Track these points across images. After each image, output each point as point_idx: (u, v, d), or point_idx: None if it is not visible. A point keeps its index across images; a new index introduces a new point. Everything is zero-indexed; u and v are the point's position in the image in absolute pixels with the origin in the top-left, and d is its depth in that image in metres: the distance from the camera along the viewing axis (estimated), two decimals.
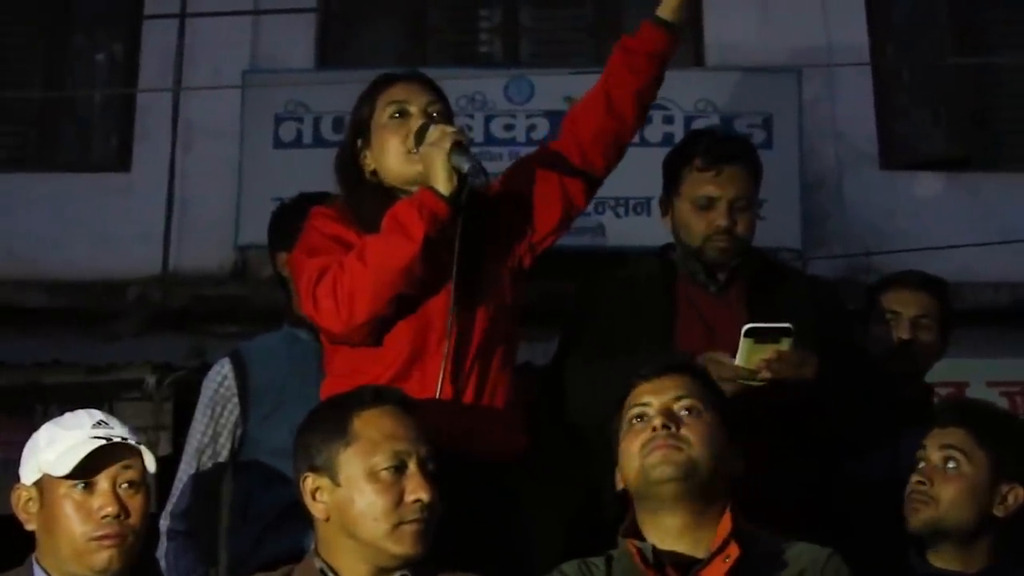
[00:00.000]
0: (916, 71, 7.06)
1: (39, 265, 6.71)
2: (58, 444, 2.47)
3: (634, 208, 6.40)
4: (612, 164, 2.97)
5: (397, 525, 2.31)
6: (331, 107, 6.51)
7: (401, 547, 2.32)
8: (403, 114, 2.84)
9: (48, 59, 7.16)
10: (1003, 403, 5.99)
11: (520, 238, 2.91)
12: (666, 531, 2.43)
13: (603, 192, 3.13)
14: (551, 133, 6.20)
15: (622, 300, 3.18)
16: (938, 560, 2.71)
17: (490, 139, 6.42)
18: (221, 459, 3.26)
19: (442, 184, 2.68)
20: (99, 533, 2.43)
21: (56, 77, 7.12)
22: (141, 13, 7.08)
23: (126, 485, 2.47)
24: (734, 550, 2.36)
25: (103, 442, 2.46)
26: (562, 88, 6.27)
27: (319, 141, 6.58)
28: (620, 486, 2.52)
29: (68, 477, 2.44)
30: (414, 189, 2.76)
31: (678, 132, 6.00)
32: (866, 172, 6.91)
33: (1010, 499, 2.69)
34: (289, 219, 3.39)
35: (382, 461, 2.34)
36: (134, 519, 2.47)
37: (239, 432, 3.25)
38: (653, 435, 2.42)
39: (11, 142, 7.19)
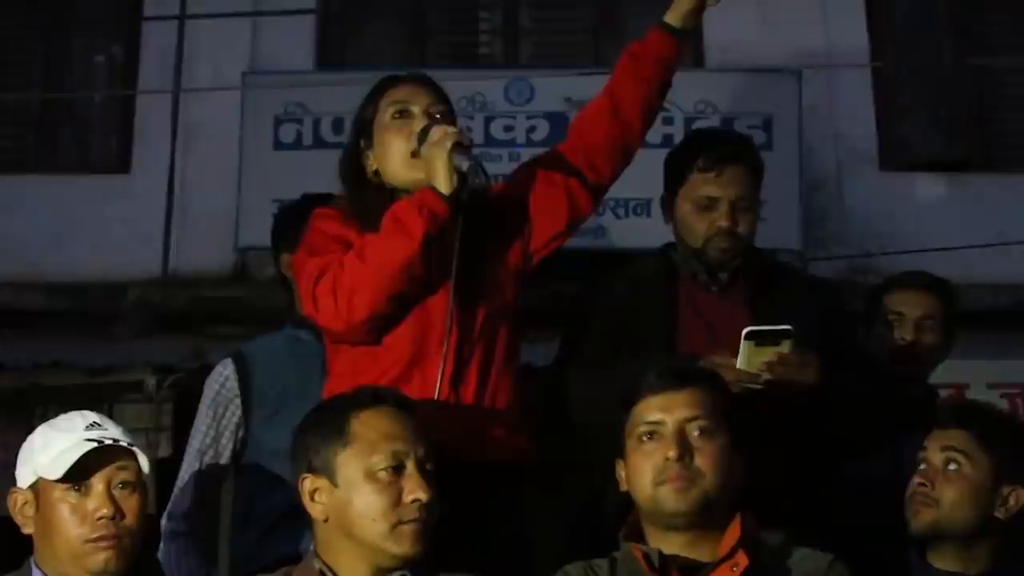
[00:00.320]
0: (916, 72, 7.05)
1: (39, 267, 6.71)
2: (52, 448, 2.48)
3: (634, 209, 6.40)
4: (619, 170, 2.97)
5: (395, 525, 2.31)
6: (331, 108, 6.51)
7: (400, 547, 2.32)
8: (405, 114, 2.84)
9: (48, 61, 7.16)
10: (1003, 405, 5.99)
11: (524, 241, 2.91)
12: (671, 541, 2.44)
13: None
14: (551, 134, 6.20)
15: (623, 300, 3.17)
16: (939, 561, 2.70)
17: (490, 140, 6.41)
18: (223, 460, 3.25)
19: (443, 183, 2.69)
20: (95, 535, 2.43)
21: (55, 79, 7.11)
22: (140, 14, 7.08)
23: (121, 486, 2.47)
24: (743, 559, 2.36)
25: (95, 444, 2.46)
26: (562, 89, 6.28)
27: (319, 142, 6.58)
28: (624, 487, 2.52)
29: (62, 480, 2.44)
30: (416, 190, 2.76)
31: (678, 133, 5.98)
32: (866, 173, 6.91)
33: (1011, 501, 2.68)
34: (292, 220, 3.39)
35: (380, 461, 2.34)
36: (130, 520, 2.47)
37: (241, 433, 3.25)
38: (666, 465, 2.41)
39: (11, 144, 7.19)
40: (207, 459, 3.26)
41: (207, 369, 3.46)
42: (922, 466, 2.72)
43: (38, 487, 2.48)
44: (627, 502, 2.55)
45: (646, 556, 2.39)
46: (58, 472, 2.44)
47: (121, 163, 7.02)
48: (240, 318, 6.14)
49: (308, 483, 2.38)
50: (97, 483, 2.46)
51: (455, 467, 2.49)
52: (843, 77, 6.83)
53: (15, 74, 7.24)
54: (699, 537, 2.43)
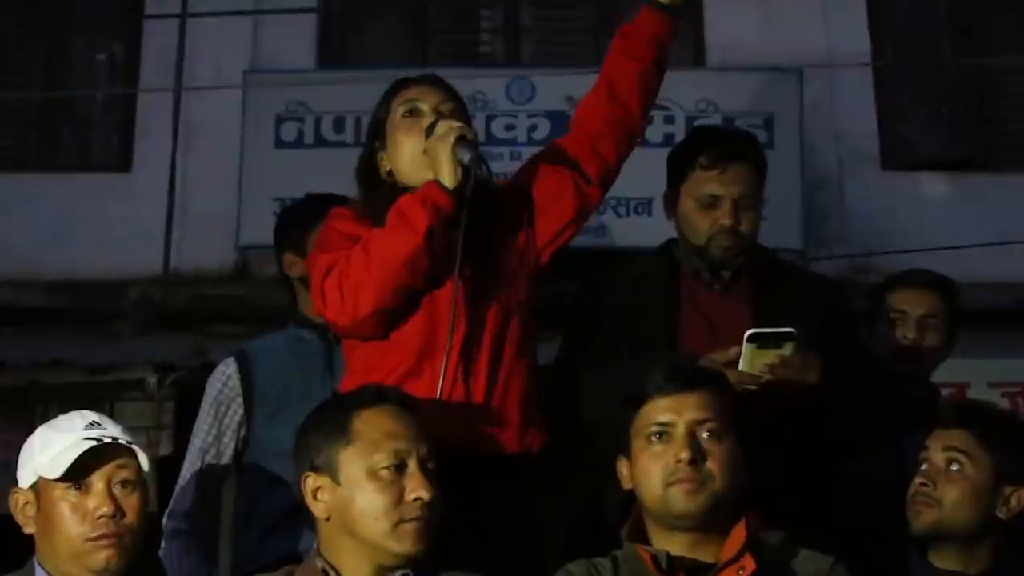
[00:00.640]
0: (917, 72, 7.06)
1: (40, 265, 6.72)
2: (52, 447, 2.48)
3: (635, 208, 6.40)
4: (623, 154, 2.97)
5: (397, 523, 2.31)
6: (332, 107, 6.52)
7: (402, 545, 2.31)
8: (415, 113, 2.86)
9: (49, 59, 7.16)
10: (1004, 404, 6.00)
11: (534, 234, 2.91)
12: (676, 542, 2.44)
13: None
14: (552, 133, 6.20)
15: (625, 298, 3.16)
16: (939, 561, 2.70)
17: (491, 139, 6.41)
18: (225, 459, 3.25)
19: (446, 176, 2.70)
20: (96, 533, 2.43)
21: (57, 77, 7.12)
22: (142, 13, 7.08)
23: (121, 484, 2.47)
24: (749, 563, 2.37)
25: (95, 443, 2.46)
26: (563, 88, 6.28)
27: (320, 141, 6.59)
28: (627, 485, 2.52)
29: (62, 479, 2.45)
30: None
31: (679, 133, 5.99)
32: (867, 172, 6.92)
33: (1013, 501, 2.67)
34: (294, 220, 3.40)
35: (382, 460, 2.34)
36: (130, 518, 2.47)
37: (243, 432, 3.25)
38: (678, 467, 2.42)
39: (11, 142, 7.20)
40: (209, 458, 3.26)
41: (208, 367, 3.46)
42: (924, 466, 2.71)
43: (39, 487, 2.48)
44: (628, 500, 2.55)
45: (654, 558, 2.39)
46: (58, 471, 2.44)
47: (122, 161, 7.02)
48: (241, 316, 6.14)
49: (310, 481, 2.38)
50: (97, 481, 2.46)
51: (463, 460, 2.50)
52: (844, 76, 6.83)
53: (16, 72, 7.25)
54: (703, 538, 2.43)
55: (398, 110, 2.87)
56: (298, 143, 6.64)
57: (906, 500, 2.72)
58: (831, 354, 2.93)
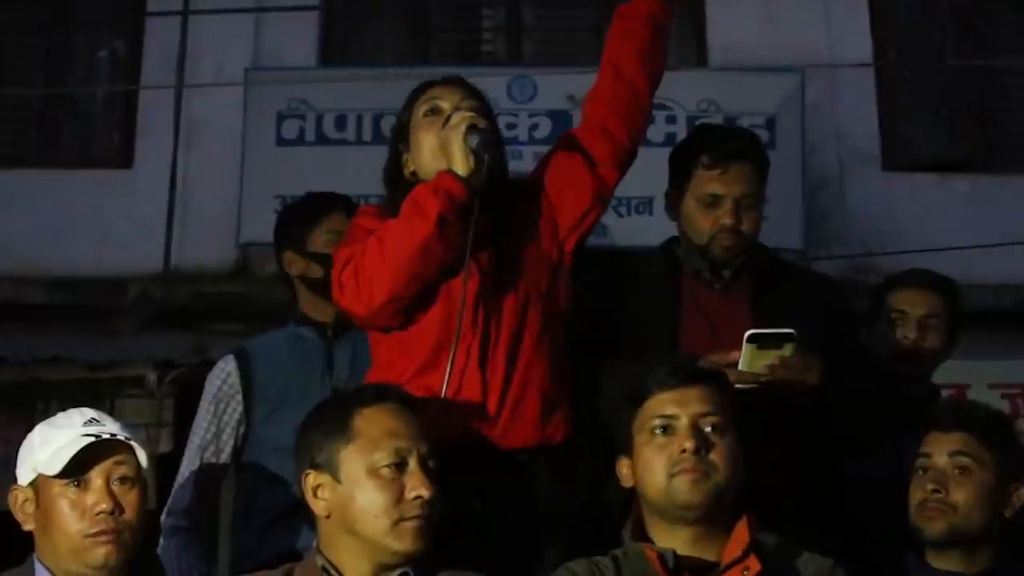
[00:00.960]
0: (918, 72, 7.07)
1: (40, 262, 6.72)
2: (50, 444, 2.48)
3: (636, 208, 6.41)
4: (635, 135, 2.98)
5: (398, 522, 2.31)
6: (333, 104, 6.53)
7: (401, 544, 2.31)
8: (435, 111, 2.87)
9: (50, 56, 7.17)
10: (1004, 405, 6.02)
11: (553, 224, 2.92)
12: (678, 538, 2.44)
13: None
14: (554, 132, 6.21)
15: (626, 298, 3.16)
16: (938, 561, 2.70)
17: None
18: (224, 456, 3.25)
19: (459, 165, 2.72)
20: (94, 530, 2.43)
21: (58, 74, 7.12)
22: (144, 10, 7.09)
23: (119, 481, 2.47)
24: (754, 563, 2.37)
25: (93, 439, 2.46)
26: (565, 87, 6.29)
27: (321, 139, 6.59)
28: (628, 483, 2.52)
29: (61, 476, 2.44)
30: None
31: (681, 132, 6.00)
32: (868, 173, 6.92)
33: (1015, 499, 2.69)
34: (295, 217, 3.40)
35: (383, 458, 2.34)
36: (129, 514, 2.46)
37: (242, 430, 3.25)
38: (682, 457, 2.42)
39: (12, 139, 7.21)
40: (208, 455, 3.26)
41: (208, 364, 3.45)
42: (925, 471, 2.71)
43: (38, 484, 2.48)
44: (628, 498, 2.55)
45: (660, 557, 2.39)
46: (56, 467, 2.44)
47: (123, 158, 7.03)
48: (241, 314, 6.15)
49: (311, 479, 2.38)
50: (96, 478, 2.46)
51: (478, 454, 2.52)
52: (846, 77, 6.84)
53: (17, 69, 7.25)
54: (705, 534, 2.43)
55: (420, 110, 2.89)
56: (299, 141, 6.64)
57: (907, 501, 2.72)
58: (832, 354, 2.93)
